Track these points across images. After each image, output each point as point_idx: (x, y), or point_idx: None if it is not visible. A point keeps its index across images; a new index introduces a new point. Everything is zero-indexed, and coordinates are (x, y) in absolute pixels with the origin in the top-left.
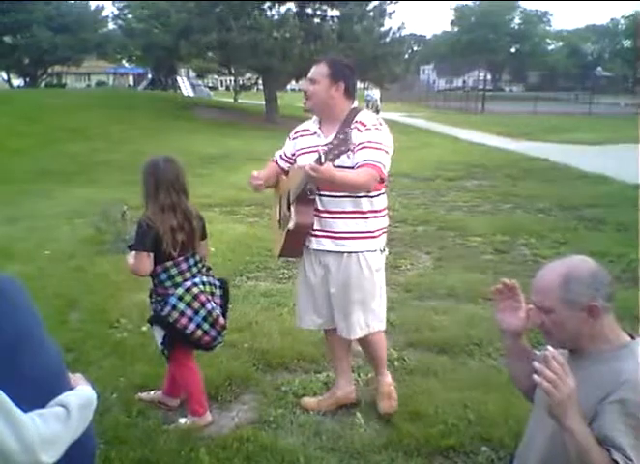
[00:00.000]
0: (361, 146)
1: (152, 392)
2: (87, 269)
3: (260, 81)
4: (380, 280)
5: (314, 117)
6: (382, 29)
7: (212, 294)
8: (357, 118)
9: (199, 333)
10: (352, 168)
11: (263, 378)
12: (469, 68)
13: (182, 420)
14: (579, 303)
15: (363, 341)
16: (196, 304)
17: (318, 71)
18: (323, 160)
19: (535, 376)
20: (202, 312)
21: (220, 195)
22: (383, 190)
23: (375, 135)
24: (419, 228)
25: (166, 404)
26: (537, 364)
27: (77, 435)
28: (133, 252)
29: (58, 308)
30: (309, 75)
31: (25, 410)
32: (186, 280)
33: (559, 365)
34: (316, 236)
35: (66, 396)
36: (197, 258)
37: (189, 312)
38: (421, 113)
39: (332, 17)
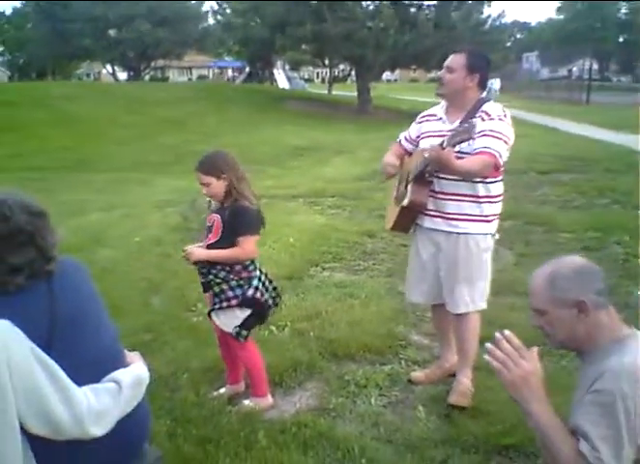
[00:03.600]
0: (481, 133)
1: (221, 390)
2: (172, 255)
3: (353, 72)
4: (487, 261)
5: (442, 102)
6: (481, 17)
7: None
8: (483, 108)
9: (266, 306)
10: (470, 154)
11: (328, 367)
12: (575, 57)
13: (245, 402)
14: (567, 299)
15: (462, 322)
16: (267, 281)
17: (457, 60)
18: (445, 145)
19: (485, 356)
20: (270, 288)
21: (305, 186)
22: (500, 177)
23: (497, 125)
24: (505, 223)
25: (236, 393)
26: (488, 345)
27: (128, 410)
28: (199, 244)
29: (142, 291)
30: (447, 63)
31: (80, 385)
32: (256, 261)
33: (512, 347)
34: (430, 215)
35: (119, 373)
36: None
37: (263, 289)
38: (520, 103)
39: (428, 6)
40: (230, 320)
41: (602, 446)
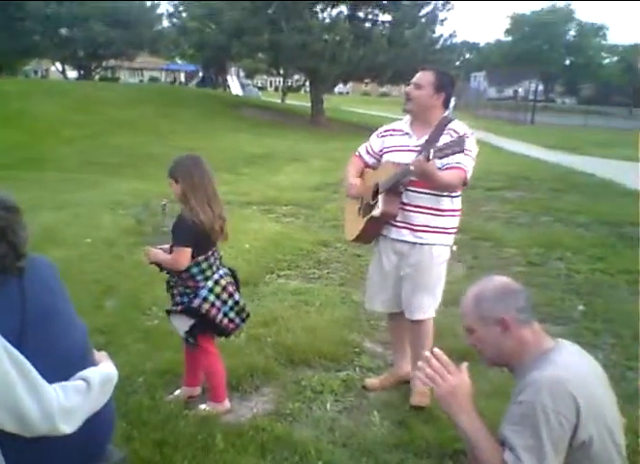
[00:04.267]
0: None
1: (176, 392)
2: (125, 257)
3: (308, 83)
4: (444, 271)
5: (405, 118)
6: (433, 36)
7: (230, 283)
8: (451, 125)
9: (225, 321)
10: (440, 169)
11: (284, 372)
12: (521, 77)
13: (202, 406)
14: (490, 318)
15: (418, 327)
16: (225, 296)
17: (425, 78)
18: (431, 157)
19: (416, 372)
20: (230, 302)
21: (260, 194)
22: (460, 192)
23: (466, 143)
24: (455, 236)
25: (192, 396)
26: (419, 363)
27: (97, 408)
28: (165, 246)
29: (95, 294)
30: (415, 80)
31: (50, 382)
32: (213, 273)
33: (440, 364)
34: (397, 226)
35: (88, 371)
36: (218, 251)
37: (217, 303)
38: (466, 121)
39: (383, 22)
40: (180, 324)
41: (525, 455)
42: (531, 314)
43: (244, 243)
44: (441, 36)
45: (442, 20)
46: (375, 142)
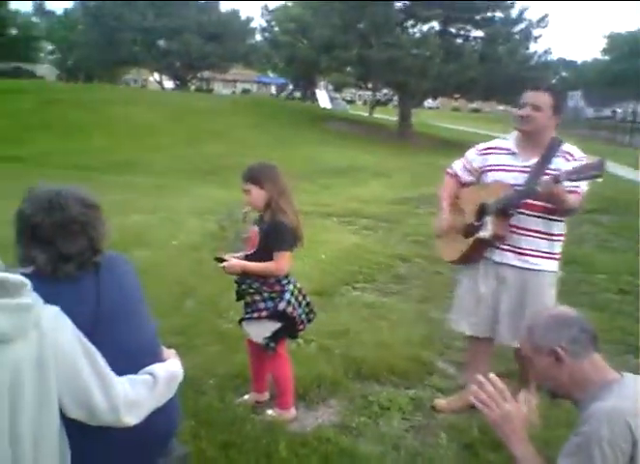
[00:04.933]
0: None
1: (245, 396)
2: (207, 261)
3: (396, 97)
4: (553, 298)
5: (510, 137)
6: (527, 52)
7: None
8: (564, 148)
9: (298, 322)
10: None
11: (352, 385)
12: (619, 97)
13: (269, 412)
14: (542, 348)
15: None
16: (300, 297)
17: (543, 99)
18: (562, 179)
19: (470, 396)
20: (304, 303)
21: (341, 206)
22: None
23: None
24: None
25: (260, 401)
26: (473, 387)
27: (161, 403)
28: (238, 254)
29: (176, 295)
30: (532, 101)
31: (117, 374)
32: (291, 276)
33: (495, 389)
34: (500, 249)
35: (155, 367)
36: None
37: (296, 305)
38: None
39: (475, 38)
40: (260, 331)
41: None
42: (588, 346)
43: (320, 253)
44: (535, 52)
45: (536, 37)
46: (475, 159)
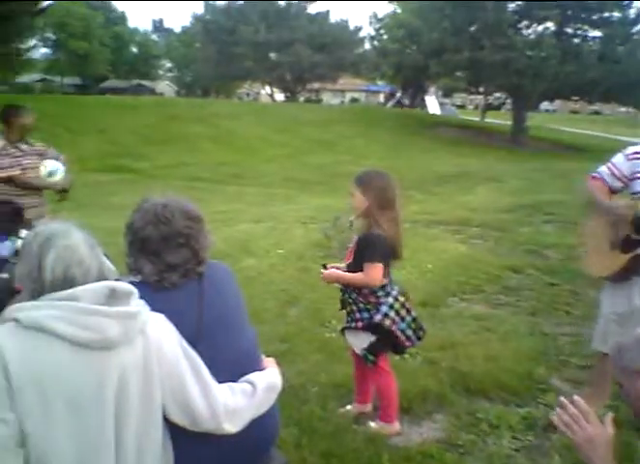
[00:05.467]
0: None
1: (348, 407)
2: (311, 270)
3: (509, 101)
4: None
5: None
6: None
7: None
8: None
9: (403, 338)
10: None
11: (458, 401)
12: None
13: (371, 424)
14: (629, 369)
15: None
16: (403, 312)
17: None
18: None
19: (552, 417)
20: (408, 319)
21: (449, 214)
22: None
23: None
24: None
25: (363, 412)
26: (557, 408)
27: (260, 412)
28: (339, 265)
29: (281, 303)
30: None
31: (218, 381)
32: (392, 289)
33: (579, 411)
34: None
35: (255, 375)
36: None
37: (397, 319)
38: None
39: (593, 38)
40: (358, 341)
41: None
42: None
43: (427, 263)
44: None
45: None
46: (624, 165)
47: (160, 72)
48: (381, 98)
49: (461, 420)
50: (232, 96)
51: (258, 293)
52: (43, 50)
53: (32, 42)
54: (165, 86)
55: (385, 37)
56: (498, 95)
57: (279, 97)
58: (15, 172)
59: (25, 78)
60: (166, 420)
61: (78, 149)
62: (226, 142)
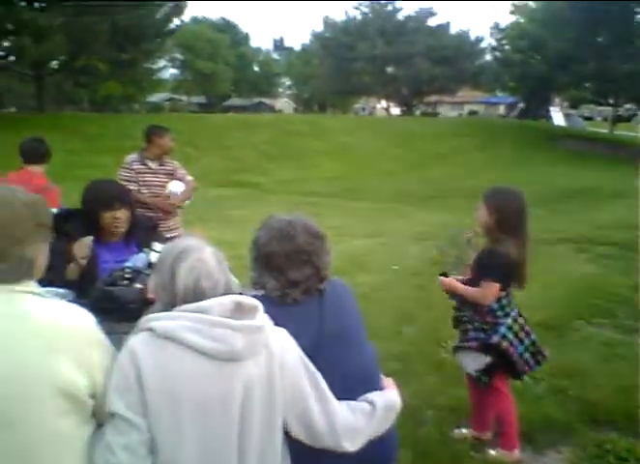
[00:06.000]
0: None
1: (464, 430)
2: (427, 287)
3: None
4: None
5: None
6: None
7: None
8: None
9: (521, 361)
10: None
11: (585, 431)
12: None
13: (491, 452)
14: None
15: None
16: (522, 334)
17: None
18: None
19: None
20: (527, 342)
21: (573, 231)
22: None
23: None
24: None
25: (480, 438)
26: None
27: (378, 433)
28: (461, 277)
29: (395, 320)
30: None
31: (337, 398)
32: (511, 310)
33: None
34: None
35: (374, 395)
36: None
37: (515, 341)
38: None
39: None
40: (470, 362)
41: None
42: None
43: (551, 282)
44: None
45: None
46: None
47: (280, 90)
48: (501, 109)
49: (587, 452)
50: (348, 111)
51: (372, 310)
52: (172, 71)
53: (161, 63)
54: (284, 103)
55: (507, 47)
56: (628, 106)
57: (395, 111)
58: (131, 187)
59: (155, 98)
60: (286, 433)
61: (202, 165)
62: (341, 157)
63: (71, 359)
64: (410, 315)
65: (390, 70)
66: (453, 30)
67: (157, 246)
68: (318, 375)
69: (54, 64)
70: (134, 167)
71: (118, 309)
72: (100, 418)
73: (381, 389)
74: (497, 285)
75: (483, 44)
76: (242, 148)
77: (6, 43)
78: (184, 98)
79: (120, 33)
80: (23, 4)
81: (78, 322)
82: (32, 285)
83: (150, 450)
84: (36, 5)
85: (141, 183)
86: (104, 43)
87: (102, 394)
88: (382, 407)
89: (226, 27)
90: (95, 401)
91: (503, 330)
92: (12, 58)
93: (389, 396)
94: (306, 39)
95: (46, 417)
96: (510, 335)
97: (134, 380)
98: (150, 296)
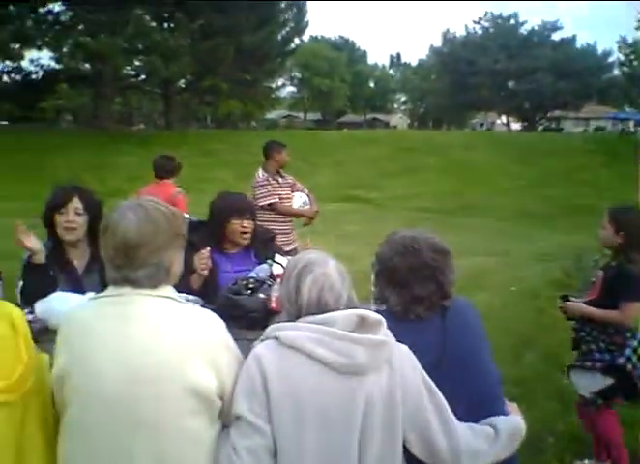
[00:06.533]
0: None
1: (586, 461)
2: (548, 311)
3: None
4: None
5: None
6: None
7: None
8: None
9: None
10: None
11: None
12: None
13: None
14: None
15: None
16: None
17: None
18: None
19: None
20: None
21: None
22: None
23: None
24: None
25: None
26: None
27: (500, 459)
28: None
29: (514, 343)
30: None
31: (458, 418)
32: (637, 331)
33: None
34: None
35: (498, 420)
36: None
37: (638, 364)
38: None
39: None
40: (589, 383)
41: None
42: None
43: None
44: None
45: None
46: None
47: (395, 106)
48: (631, 125)
49: None
50: (464, 126)
51: (490, 331)
52: (289, 89)
53: (280, 81)
54: (398, 119)
55: (635, 63)
56: None
57: (516, 126)
58: (274, 200)
59: (272, 115)
60: (405, 450)
61: (316, 180)
62: (458, 173)
63: (203, 361)
64: (529, 338)
65: (511, 84)
66: (579, 44)
67: (278, 257)
68: (439, 394)
69: (181, 83)
70: (271, 182)
71: (241, 317)
72: (226, 419)
73: (504, 413)
74: (638, 305)
75: (611, 59)
76: (355, 164)
77: (137, 63)
78: (300, 115)
79: (244, 54)
80: (154, 24)
81: (211, 326)
82: (169, 290)
83: (272, 455)
84: (165, 25)
85: (278, 196)
86: (229, 64)
87: (229, 397)
88: (506, 432)
89: (344, 45)
90: (222, 403)
91: (628, 352)
92: (142, 77)
93: (513, 422)
94: (423, 54)
95: (179, 416)
96: (635, 358)
97: (260, 385)
98: (272, 306)
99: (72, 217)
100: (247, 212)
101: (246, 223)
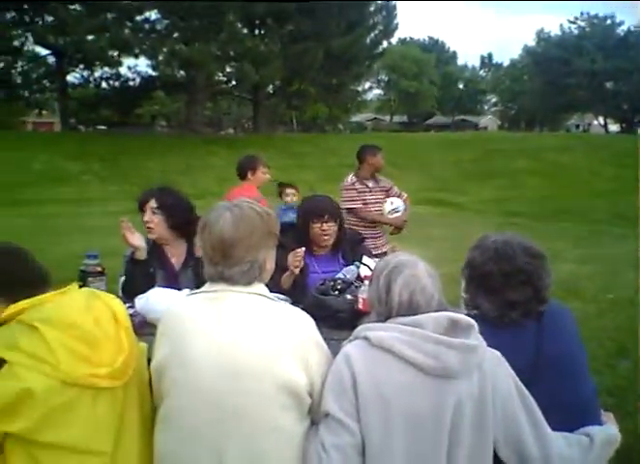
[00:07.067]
0: None
1: None
2: None
3: None
4: None
5: None
6: None
7: None
8: None
9: None
10: None
11: None
12: None
13: None
14: None
15: None
16: None
17: None
18: None
19: None
20: None
21: None
22: None
23: None
24: None
25: None
26: None
27: None
28: None
29: (609, 351)
30: None
31: (551, 426)
32: None
33: None
34: None
35: (594, 429)
36: None
37: None
38: None
39: None
40: None
41: None
42: None
43: None
44: None
45: None
46: None
47: (485, 107)
48: None
49: None
50: (558, 128)
51: (585, 339)
52: (376, 91)
53: (367, 84)
54: (488, 120)
55: None
56: None
57: (614, 128)
58: (356, 206)
59: (358, 117)
60: (495, 455)
61: (401, 183)
62: (551, 176)
63: (294, 358)
64: (625, 349)
65: (609, 85)
66: None
67: (366, 259)
68: (532, 401)
69: (270, 88)
70: (357, 187)
71: (329, 317)
72: (315, 416)
73: (600, 423)
74: None
75: None
76: (441, 166)
77: (228, 69)
78: (386, 117)
79: (333, 58)
80: (245, 31)
81: (302, 324)
82: (262, 288)
83: (360, 454)
84: (256, 32)
85: (362, 202)
86: (317, 68)
87: (319, 394)
88: (600, 442)
89: (433, 46)
90: (312, 399)
91: None
92: (233, 83)
93: (609, 432)
94: (516, 54)
95: (271, 410)
96: None
97: (350, 384)
98: (359, 307)
99: (149, 217)
100: (325, 214)
101: (325, 226)
